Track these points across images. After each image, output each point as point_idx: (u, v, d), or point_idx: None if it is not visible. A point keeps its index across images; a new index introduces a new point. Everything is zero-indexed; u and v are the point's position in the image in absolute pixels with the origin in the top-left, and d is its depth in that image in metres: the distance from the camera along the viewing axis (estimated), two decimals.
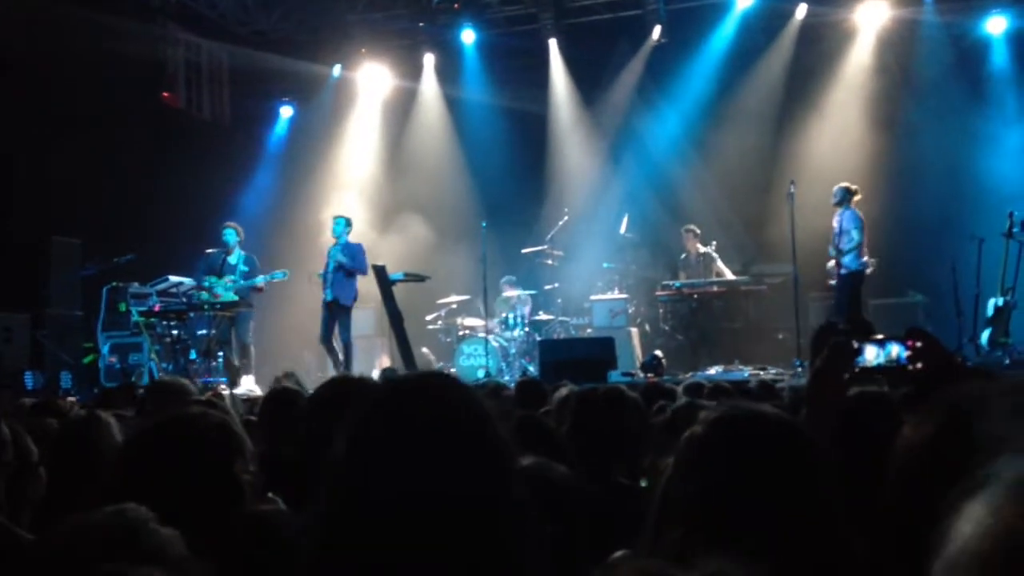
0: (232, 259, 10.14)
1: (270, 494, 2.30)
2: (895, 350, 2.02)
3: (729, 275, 11.29)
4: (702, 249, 11.37)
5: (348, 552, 1.22)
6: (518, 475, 1.31)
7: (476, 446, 1.27)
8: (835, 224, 9.61)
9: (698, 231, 11.50)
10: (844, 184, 9.74)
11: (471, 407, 1.31)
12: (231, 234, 10.18)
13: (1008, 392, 1.16)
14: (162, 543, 1.34)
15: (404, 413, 1.29)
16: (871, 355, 2.03)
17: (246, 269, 10.09)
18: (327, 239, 12.91)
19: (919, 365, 1.99)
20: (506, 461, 1.29)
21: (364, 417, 1.31)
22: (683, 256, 11.59)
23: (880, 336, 2.06)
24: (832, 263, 9.69)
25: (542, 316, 11.91)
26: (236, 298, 9.92)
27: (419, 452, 1.24)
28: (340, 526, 1.24)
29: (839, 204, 9.61)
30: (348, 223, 10.53)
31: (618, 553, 1.87)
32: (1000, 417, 1.11)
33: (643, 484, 2.91)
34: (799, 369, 8.61)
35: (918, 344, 2.00)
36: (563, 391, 4.63)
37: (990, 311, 9.72)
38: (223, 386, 9.23)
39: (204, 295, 9.88)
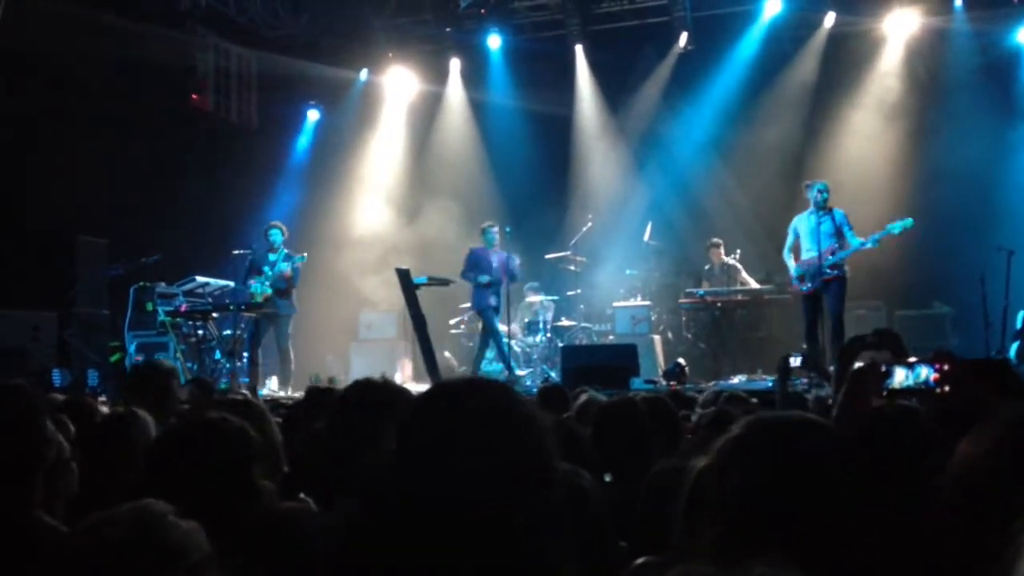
0: (272, 256, 10.23)
1: (301, 495, 2.33)
2: (924, 372, 2.01)
3: (753, 285, 11.23)
4: (726, 260, 11.33)
5: (378, 553, 1.24)
6: (555, 481, 1.33)
7: (510, 452, 1.29)
8: (818, 223, 9.05)
9: (721, 243, 11.46)
10: (825, 181, 9.32)
11: (508, 414, 1.32)
12: (277, 234, 10.29)
13: None
14: (182, 536, 1.36)
15: (440, 419, 1.32)
16: (900, 377, 2.03)
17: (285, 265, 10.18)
18: (359, 239, 13.03)
19: (947, 388, 1.98)
20: (542, 467, 1.31)
21: (406, 423, 1.34)
22: (707, 267, 11.55)
23: (912, 359, 2.06)
24: (799, 265, 9.21)
25: (564, 322, 11.91)
26: (270, 291, 9.99)
27: (455, 457, 1.26)
28: (376, 527, 1.26)
29: (826, 204, 9.10)
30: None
31: (641, 560, 1.87)
32: None
33: (607, 479, 2.95)
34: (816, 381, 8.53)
35: (945, 367, 2.00)
36: (584, 397, 4.64)
37: (1019, 324, 9.61)
38: (244, 387, 9.31)
39: (255, 297, 9.98)
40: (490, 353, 11.35)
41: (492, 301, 10.57)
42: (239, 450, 2.08)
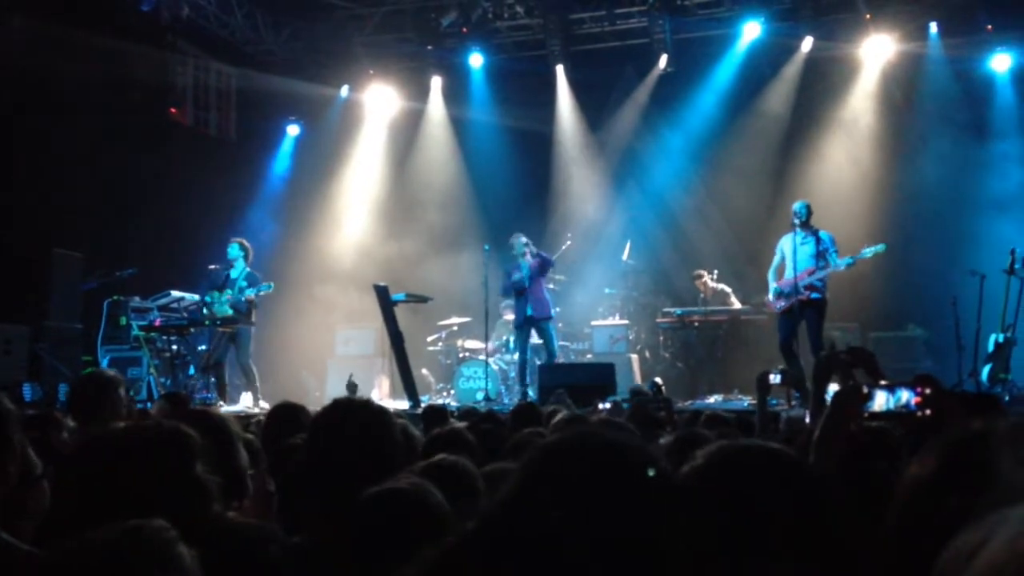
0: (234, 274, 10.15)
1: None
2: (904, 396, 2.02)
3: (738, 306, 11.31)
4: (716, 287, 11.40)
5: None
6: (675, 525, 1.34)
7: (640, 502, 1.29)
8: (798, 244, 9.03)
9: (704, 273, 11.51)
10: (806, 200, 9.33)
11: (637, 467, 1.33)
12: (234, 248, 10.19)
13: (1011, 430, 1.16)
14: (183, 566, 1.31)
15: (572, 467, 1.32)
16: (880, 401, 2.03)
17: (245, 284, 10.08)
18: (334, 256, 12.95)
19: (928, 412, 1.99)
20: (665, 513, 1.31)
21: (533, 467, 1.35)
22: (701, 296, 11.56)
23: (885, 382, 2.07)
24: (779, 284, 9.23)
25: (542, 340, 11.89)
26: (231, 312, 9.91)
27: (584, 506, 1.26)
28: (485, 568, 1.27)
29: (807, 223, 9.07)
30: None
31: None
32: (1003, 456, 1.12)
33: None
34: (796, 401, 8.56)
35: (927, 391, 2.00)
36: (559, 416, 4.64)
37: (991, 347, 9.71)
38: (219, 404, 9.22)
39: (205, 311, 9.89)
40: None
41: (529, 311, 10.26)
42: (176, 450, 2.03)
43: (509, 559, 1.25)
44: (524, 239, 10.43)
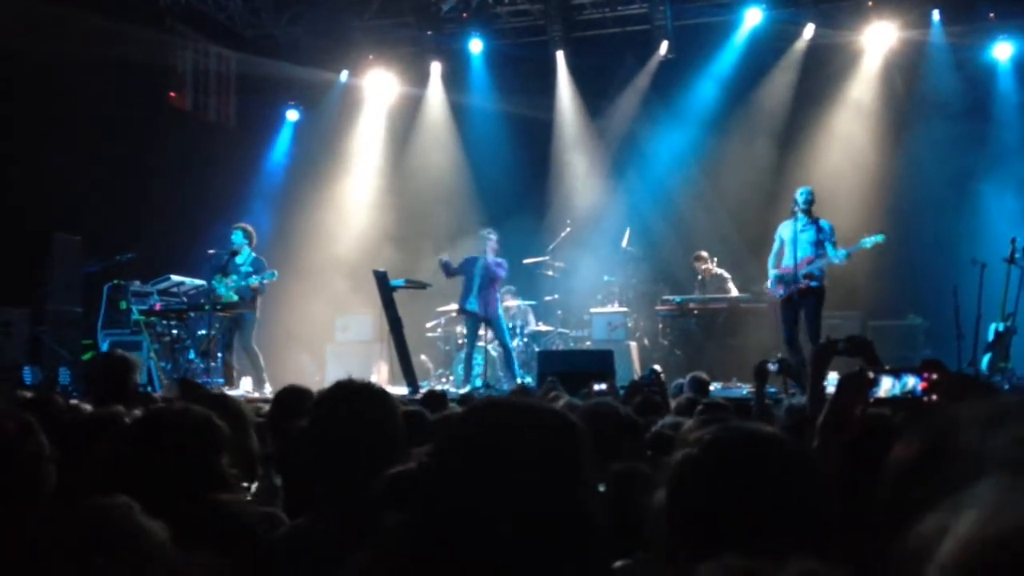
0: (239, 259, 10.14)
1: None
2: (911, 382, 2.01)
3: (735, 293, 11.30)
4: (715, 271, 11.39)
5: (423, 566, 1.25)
6: (594, 497, 1.33)
7: (555, 470, 1.29)
8: (799, 231, 8.93)
9: (706, 255, 11.50)
10: (810, 187, 9.19)
11: (554, 433, 1.33)
12: (238, 235, 10.18)
13: (994, 411, 1.16)
14: (147, 534, 1.34)
15: (486, 434, 1.32)
16: (886, 386, 2.03)
17: (250, 270, 10.06)
18: (329, 242, 12.92)
19: (934, 397, 1.98)
20: (584, 485, 1.32)
21: (447, 436, 1.36)
22: (699, 278, 11.55)
23: (888, 367, 2.07)
24: (778, 271, 9.16)
25: (541, 327, 11.91)
26: (236, 298, 9.91)
27: (498, 473, 1.26)
28: (421, 538, 1.27)
29: (808, 210, 8.95)
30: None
31: (619, 563, 1.87)
32: (976, 434, 1.12)
33: (601, 488, 2.94)
34: (794, 389, 8.56)
35: (934, 376, 1.99)
36: (560, 403, 4.64)
37: (991, 336, 9.71)
38: (220, 388, 9.22)
39: (211, 296, 9.89)
40: (479, 357, 11.25)
41: (469, 306, 10.39)
42: (204, 439, 2.06)
43: (432, 533, 1.26)
44: (494, 236, 10.50)
